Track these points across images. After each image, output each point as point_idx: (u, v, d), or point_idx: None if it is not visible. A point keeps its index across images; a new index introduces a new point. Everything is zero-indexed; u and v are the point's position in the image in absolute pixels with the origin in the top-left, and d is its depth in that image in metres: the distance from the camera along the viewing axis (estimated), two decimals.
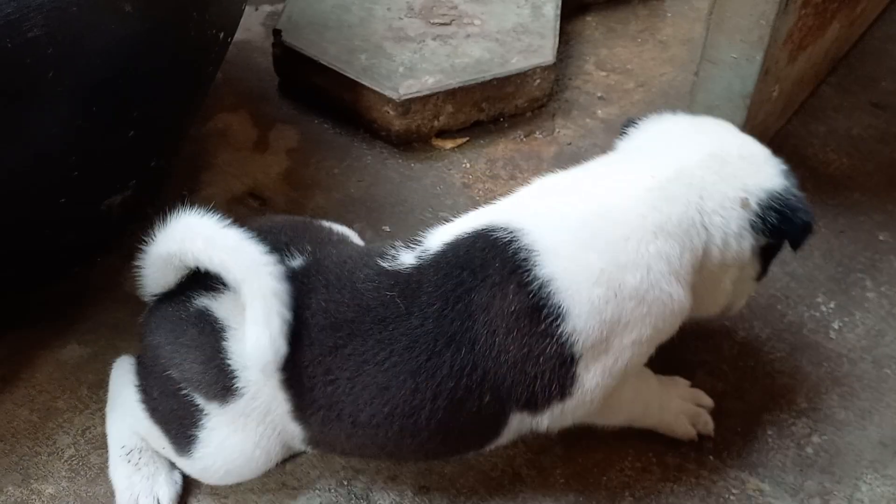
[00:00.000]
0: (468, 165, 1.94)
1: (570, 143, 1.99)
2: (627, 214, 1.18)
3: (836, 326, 1.59)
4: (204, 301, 1.23)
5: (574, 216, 1.19)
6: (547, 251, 1.15)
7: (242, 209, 1.83)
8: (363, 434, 1.20)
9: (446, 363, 1.15)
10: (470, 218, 1.27)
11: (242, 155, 1.96)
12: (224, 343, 1.20)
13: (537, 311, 1.14)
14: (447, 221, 1.74)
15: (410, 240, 1.26)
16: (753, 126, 1.74)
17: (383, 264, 1.22)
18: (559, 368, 1.16)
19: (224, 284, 1.19)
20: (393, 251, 1.24)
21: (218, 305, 1.22)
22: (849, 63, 2.15)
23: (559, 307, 1.14)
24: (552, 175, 1.31)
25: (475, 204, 1.83)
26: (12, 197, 1.29)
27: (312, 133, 2.02)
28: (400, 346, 1.16)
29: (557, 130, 2.02)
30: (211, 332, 1.21)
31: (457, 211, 1.83)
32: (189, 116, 1.70)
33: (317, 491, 1.36)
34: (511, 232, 1.17)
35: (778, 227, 1.22)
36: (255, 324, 1.13)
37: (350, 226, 1.78)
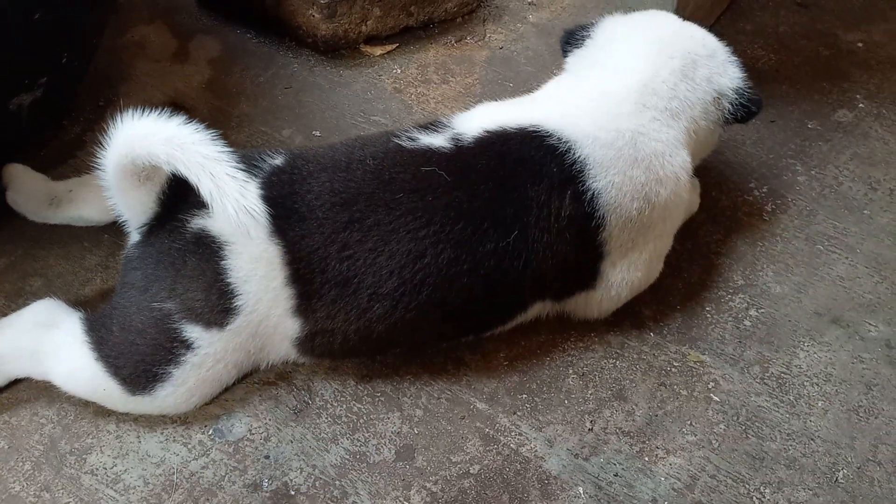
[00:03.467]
0: (399, 71, 1.89)
1: (501, 48, 1.95)
2: (660, 132, 1.29)
3: (769, 209, 1.61)
4: (199, 222, 1.19)
5: (619, 132, 1.27)
6: (599, 166, 1.25)
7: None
8: (380, 308, 1.20)
9: (491, 242, 1.22)
10: (507, 109, 1.34)
11: (161, 66, 1.87)
12: (224, 262, 1.18)
13: (588, 219, 1.25)
14: (380, 126, 1.73)
15: (424, 125, 1.31)
16: None
17: (402, 143, 1.26)
18: (589, 265, 1.30)
19: None
20: (407, 134, 1.28)
21: (213, 223, 1.19)
22: None
23: (603, 217, 1.25)
24: (569, 76, 1.41)
25: (408, 108, 1.80)
26: None
27: (234, 43, 1.93)
28: (442, 216, 1.20)
29: (489, 35, 1.98)
30: (211, 256, 1.17)
31: (389, 115, 1.80)
32: (101, 6, 1.60)
33: (256, 385, 1.32)
34: (567, 142, 1.25)
35: (739, 117, 1.38)
36: (214, 198, 1.09)
37: (279, 132, 1.74)
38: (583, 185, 1.25)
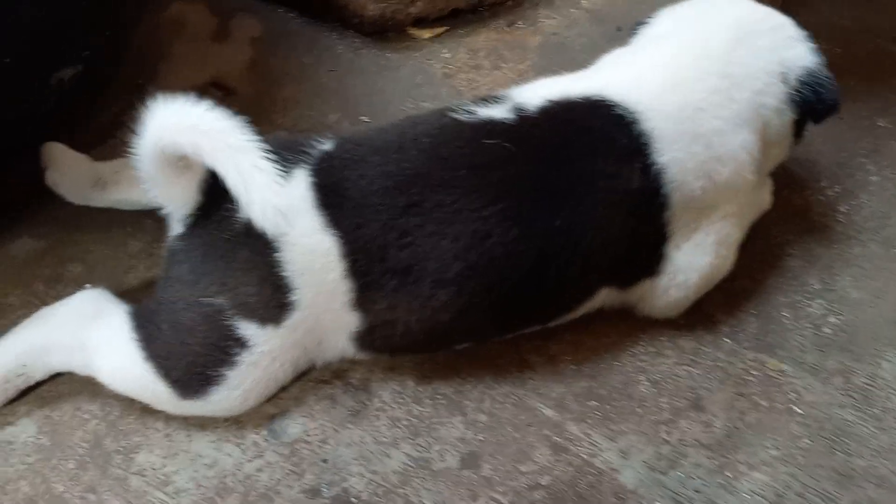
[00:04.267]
0: (448, 56, 1.80)
1: (555, 34, 1.87)
2: (720, 107, 1.22)
3: (843, 209, 1.53)
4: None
5: (683, 106, 1.21)
6: (665, 139, 1.18)
7: (206, 99, 1.67)
8: (445, 295, 1.13)
9: (560, 217, 1.15)
10: (567, 81, 1.27)
11: (201, 45, 1.79)
12: (277, 255, 1.10)
13: (654, 195, 1.19)
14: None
15: (480, 98, 1.24)
16: None
17: (459, 117, 1.18)
18: (653, 248, 1.23)
19: None
20: (462, 107, 1.20)
21: None
22: None
23: (666, 195, 1.19)
24: (628, 49, 1.35)
25: (459, 95, 1.72)
26: None
27: (276, 22, 1.85)
28: (508, 192, 1.13)
29: (541, 20, 1.90)
30: (263, 248, 1.09)
31: (439, 102, 1.71)
32: None
33: (310, 383, 1.24)
34: (633, 112, 1.19)
35: (812, 105, 1.29)
36: (239, 193, 1.02)
37: (325, 117, 1.66)
38: (649, 159, 1.18)
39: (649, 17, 1.40)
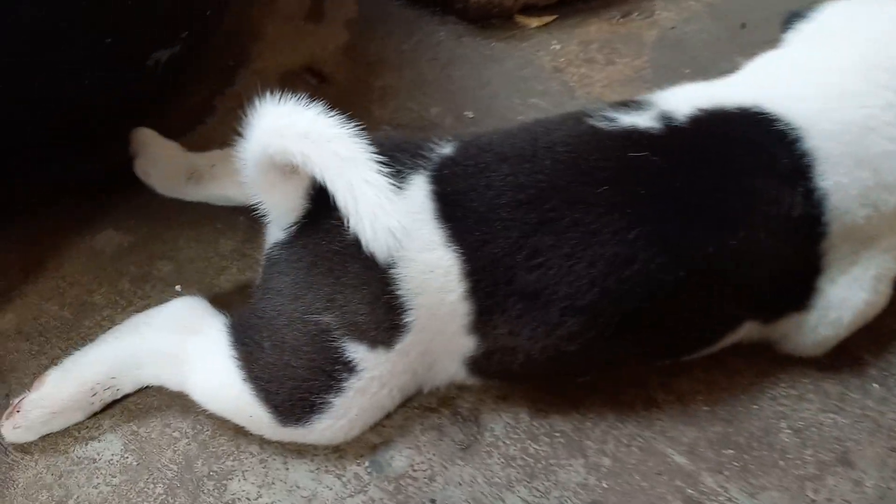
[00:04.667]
0: (558, 47, 1.67)
1: (673, 28, 1.72)
2: (892, 125, 1.07)
3: None
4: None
5: (850, 123, 1.07)
6: (828, 162, 1.05)
7: (299, 86, 1.56)
8: (575, 324, 1.00)
9: (713, 243, 1.01)
10: (718, 87, 1.15)
11: (294, 26, 1.68)
12: (392, 271, 0.98)
13: (815, 223, 1.06)
14: (540, 110, 1.53)
15: (621, 103, 1.11)
16: None
17: (598, 125, 1.05)
18: (805, 280, 1.09)
19: None
20: (601, 113, 1.07)
21: None
22: None
23: (827, 223, 1.06)
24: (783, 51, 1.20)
25: (570, 91, 1.58)
26: (43, 34, 1.02)
27: (374, 4, 1.74)
28: (656, 212, 1.00)
29: (657, 12, 1.75)
30: (377, 262, 0.96)
31: (549, 98, 1.58)
32: None
33: (416, 410, 1.13)
34: (795, 129, 1.05)
35: None
36: (349, 210, 0.91)
37: (427, 110, 1.54)
38: (812, 183, 1.04)
39: (808, 10, 1.24)
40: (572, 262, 1.00)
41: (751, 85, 1.15)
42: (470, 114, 1.54)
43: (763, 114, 1.07)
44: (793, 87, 1.11)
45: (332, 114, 0.92)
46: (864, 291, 1.13)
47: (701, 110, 1.08)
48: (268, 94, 0.95)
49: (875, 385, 1.19)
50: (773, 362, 1.20)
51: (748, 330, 1.13)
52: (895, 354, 1.22)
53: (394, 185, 0.91)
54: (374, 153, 0.91)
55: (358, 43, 1.65)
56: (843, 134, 1.07)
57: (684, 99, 1.11)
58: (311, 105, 0.93)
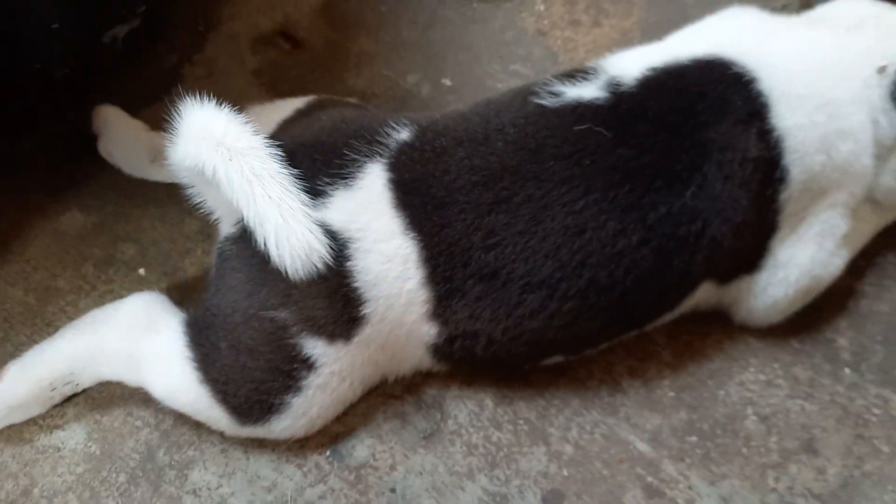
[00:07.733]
0: (542, 8, 1.61)
1: None
2: (849, 78, 1.07)
3: None
4: (316, 215, 0.95)
5: (805, 68, 1.07)
6: (785, 101, 1.04)
7: (271, 51, 1.52)
8: (534, 300, 1.01)
9: (665, 204, 1.01)
10: (672, 45, 1.13)
11: None
12: (349, 263, 0.97)
13: (773, 166, 1.04)
14: (521, 77, 1.48)
15: (565, 74, 1.09)
16: None
17: (544, 103, 1.04)
18: (759, 236, 1.08)
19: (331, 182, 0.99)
20: (547, 89, 1.06)
21: (334, 215, 0.98)
22: None
23: (786, 169, 1.04)
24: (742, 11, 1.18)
25: (552, 56, 1.53)
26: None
27: None
28: (603, 181, 1.00)
29: None
30: (333, 255, 0.95)
31: (531, 64, 1.53)
32: None
33: (379, 397, 1.13)
34: (750, 71, 1.05)
35: None
36: (257, 231, 0.92)
37: (403, 78, 1.50)
38: (768, 123, 1.03)
39: None
40: (527, 237, 1.00)
41: (708, 37, 1.13)
42: (448, 82, 1.49)
43: (717, 60, 1.06)
44: (752, 35, 1.11)
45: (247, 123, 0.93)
46: (809, 248, 1.12)
47: (652, 69, 1.07)
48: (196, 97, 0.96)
49: (847, 370, 1.18)
50: (745, 348, 1.19)
51: (705, 292, 1.12)
52: (871, 339, 1.20)
53: (309, 198, 0.93)
54: (287, 167, 0.92)
55: (334, 3, 1.59)
56: (802, 74, 1.07)
57: (636, 60, 1.10)
58: (229, 113, 0.94)
